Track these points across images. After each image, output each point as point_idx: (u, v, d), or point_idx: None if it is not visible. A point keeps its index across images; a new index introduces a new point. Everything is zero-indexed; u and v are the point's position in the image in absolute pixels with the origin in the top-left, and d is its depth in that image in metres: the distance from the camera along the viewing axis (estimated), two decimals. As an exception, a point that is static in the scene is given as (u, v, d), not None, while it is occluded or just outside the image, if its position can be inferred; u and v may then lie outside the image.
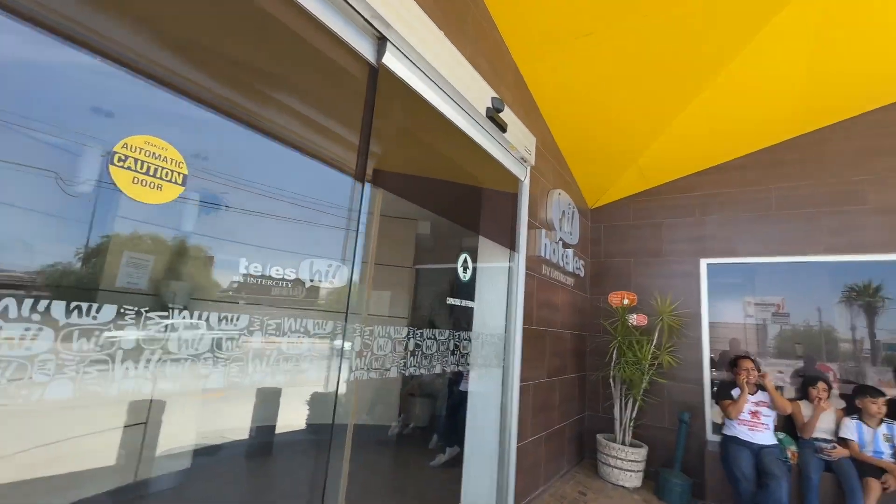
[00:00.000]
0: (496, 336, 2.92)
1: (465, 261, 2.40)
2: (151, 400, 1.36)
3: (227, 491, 2.31)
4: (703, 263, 4.38)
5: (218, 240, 1.41)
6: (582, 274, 4.52)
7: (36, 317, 0.94)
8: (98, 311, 1.02)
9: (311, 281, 1.59)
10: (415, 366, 2.13)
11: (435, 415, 5.21)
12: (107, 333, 1.04)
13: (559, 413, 3.89)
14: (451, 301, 2.50)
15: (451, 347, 2.40)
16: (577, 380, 4.43)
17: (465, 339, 2.56)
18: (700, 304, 4.32)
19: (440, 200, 2.64)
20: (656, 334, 4.15)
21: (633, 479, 3.88)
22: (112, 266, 1.09)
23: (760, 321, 4.13)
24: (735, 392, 3.59)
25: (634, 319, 4.42)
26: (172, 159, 1.12)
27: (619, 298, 4.61)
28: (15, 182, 0.94)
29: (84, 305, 1.01)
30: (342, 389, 1.70)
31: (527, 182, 3.26)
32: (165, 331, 1.15)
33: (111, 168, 1.01)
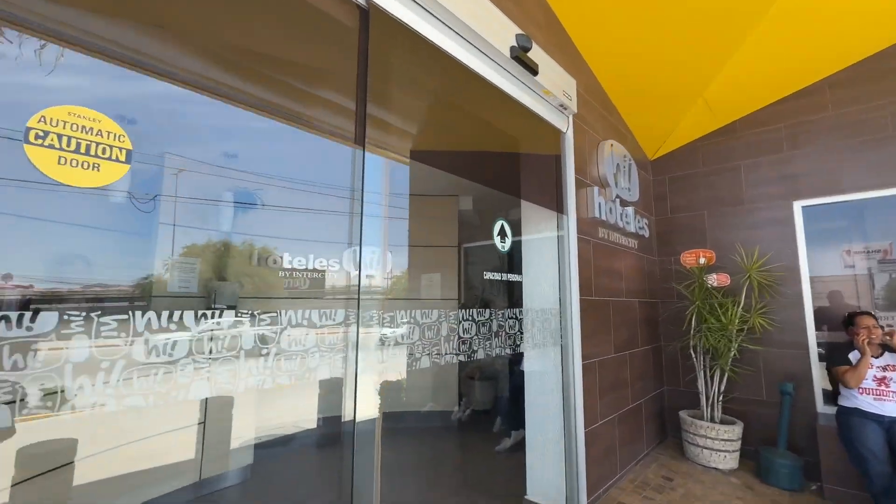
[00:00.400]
0: (549, 311, 2.59)
1: (503, 229, 2.08)
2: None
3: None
4: (798, 206, 3.68)
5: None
6: (647, 234, 4.00)
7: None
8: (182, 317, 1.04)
9: (355, 271, 1.51)
10: (466, 350, 1.90)
11: (497, 397, 4.98)
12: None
13: (633, 391, 3.49)
14: (498, 277, 2.21)
15: (500, 328, 2.12)
16: (650, 352, 3.96)
17: (513, 318, 2.26)
18: (797, 256, 3.64)
19: (471, 165, 2.33)
20: (743, 295, 3.57)
21: (727, 461, 3.40)
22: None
23: (864, 270, 3.41)
24: (853, 356, 2.97)
25: (714, 280, 3.85)
26: (110, 132, 0.93)
27: (695, 258, 4.04)
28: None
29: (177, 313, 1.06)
30: (401, 377, 1.70)
31: (570, 134, 2.84)
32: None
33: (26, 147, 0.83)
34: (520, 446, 2.69)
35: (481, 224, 5.07)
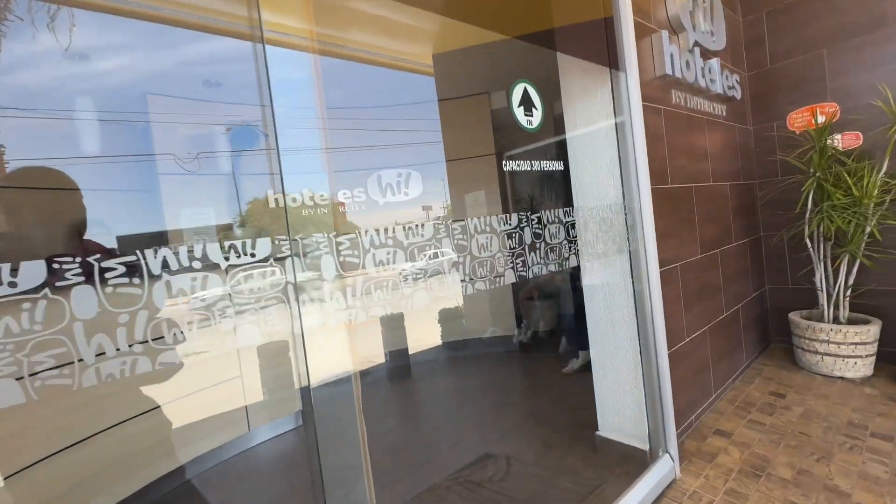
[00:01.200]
0: (609, 209, 1.95)
1: (527, 96, 1.40)
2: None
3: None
4: (982, 10, 2.49)
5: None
6: (738, 95, 3.02)
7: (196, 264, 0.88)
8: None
9: (384, 198, 1.25)
10: (514, 266, 1.44)
11: (560, 315, 4.52)
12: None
13: (727, 295, 2.81)
14: (528, 167, 1.60)
15: (537, 238, 1.56)
16: (748, 247, 3.18)
17: (556, 222, 1.67)
18: (975, 86, 2.54)
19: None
20: (888, 155, 2.61)
21: (859, 368, 2.70)
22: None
23: None
24: None
25: (839, 141, 2.87)
26: None
27: (808, 116, 3.03)
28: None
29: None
30: (458, 303, 1.39)
31: (622, -47, 1.96)
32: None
33: None
34: (589, 367, 2.23)
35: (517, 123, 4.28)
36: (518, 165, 1.54)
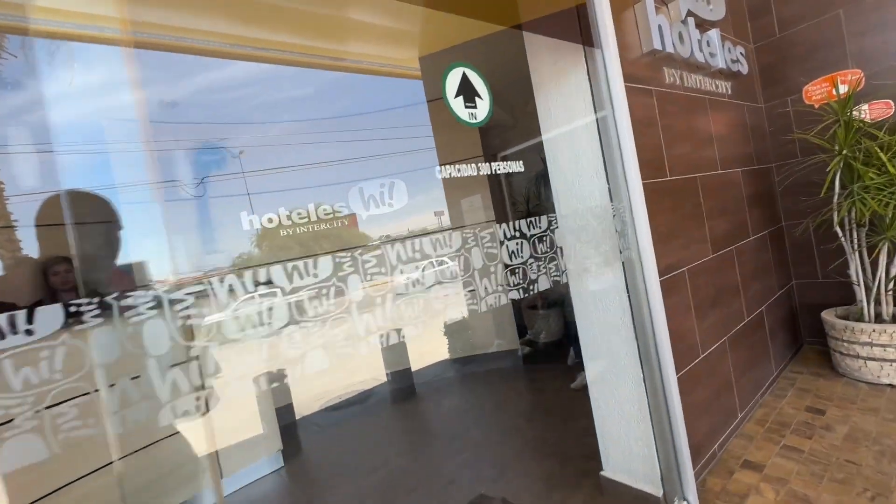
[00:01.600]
0: (594, 212, 1.65)
1: (466, 82, 1.11)
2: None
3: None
4: None
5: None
6: (744, 69, 2.68)
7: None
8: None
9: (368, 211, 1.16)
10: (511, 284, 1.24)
11: (567, 323, 4.18)
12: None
13: (748, 298, 2.46)
14: (510, 170, 1.32)
15: (516, 250, 1.28)
16: (768, 239, 2.81)
17: (537, 229, 1.39)
18: None
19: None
20: (926, 123, 2.23)
21: (911, 374, 2.32)
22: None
23: None
24: None
25: (867, 112, 2.50)
26: None
27: (828, 87, 2.66)
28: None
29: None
30: (462, 317, 1.30)
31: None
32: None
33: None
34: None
35: (515, 120, 3.99)
36: (507, 167, 1.27)
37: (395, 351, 3.82)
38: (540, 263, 1.39)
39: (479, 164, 1.27)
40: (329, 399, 3.67)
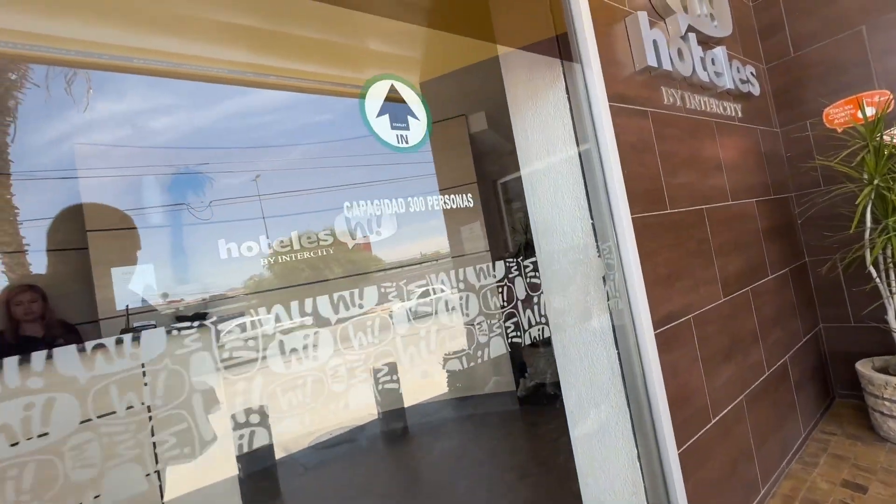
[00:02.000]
0: (577, 251, 1.40)
1: (395, 98, 0.89)
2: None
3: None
4: None
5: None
6: (756, 91, 2.43)
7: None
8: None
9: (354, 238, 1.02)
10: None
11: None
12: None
13: (768, 346, 2.13)
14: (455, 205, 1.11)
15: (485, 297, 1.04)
16: (789, 277, 2.50)
17: (516, 271, 1.15)
18: None
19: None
20: (972, 148, 1.94)
21: (970, 443, 1.94)
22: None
23: None
24: None
25: (900, 137, 2.22)
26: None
27: (852, 109, 2.40)
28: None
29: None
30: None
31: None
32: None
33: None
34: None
35: (512, 146, 3.79)
36: (519, 199, 1.04)
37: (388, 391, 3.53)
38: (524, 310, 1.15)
39: (440, 198, 1.04)
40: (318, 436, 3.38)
